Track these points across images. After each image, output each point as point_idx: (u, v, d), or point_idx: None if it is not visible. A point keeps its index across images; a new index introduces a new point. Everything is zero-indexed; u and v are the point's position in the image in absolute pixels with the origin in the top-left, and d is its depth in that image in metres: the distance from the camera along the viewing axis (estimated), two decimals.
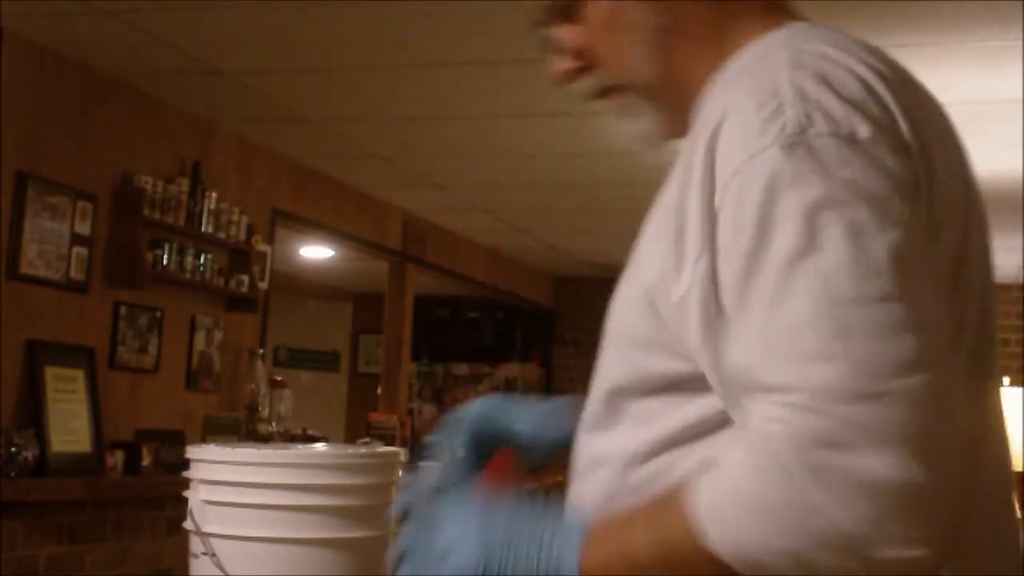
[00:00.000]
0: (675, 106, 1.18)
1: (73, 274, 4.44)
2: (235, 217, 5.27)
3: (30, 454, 4.04)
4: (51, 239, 4.33)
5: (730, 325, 0.97)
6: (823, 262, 0.92)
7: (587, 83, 1.21)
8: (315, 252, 8.29)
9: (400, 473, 1.78)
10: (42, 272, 4.30)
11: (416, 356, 9.12)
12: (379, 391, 7.62)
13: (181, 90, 4.83)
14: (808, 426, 0.88)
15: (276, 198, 5.78)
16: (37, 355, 4.25)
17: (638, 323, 1.07)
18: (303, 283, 9.91)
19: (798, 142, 0.95)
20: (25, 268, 4.22)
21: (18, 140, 4.22)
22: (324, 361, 11.16)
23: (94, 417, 4.43)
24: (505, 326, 10.25)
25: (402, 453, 1.84)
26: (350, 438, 8.03)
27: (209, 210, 5.07)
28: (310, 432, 6.07)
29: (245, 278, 5.32)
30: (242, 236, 5.32)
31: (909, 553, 0.87)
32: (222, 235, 5.16)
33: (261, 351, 5.51)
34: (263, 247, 5.54)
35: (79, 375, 4.43)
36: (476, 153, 5.71)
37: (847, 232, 0.92)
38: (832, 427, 0.87)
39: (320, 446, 2.40)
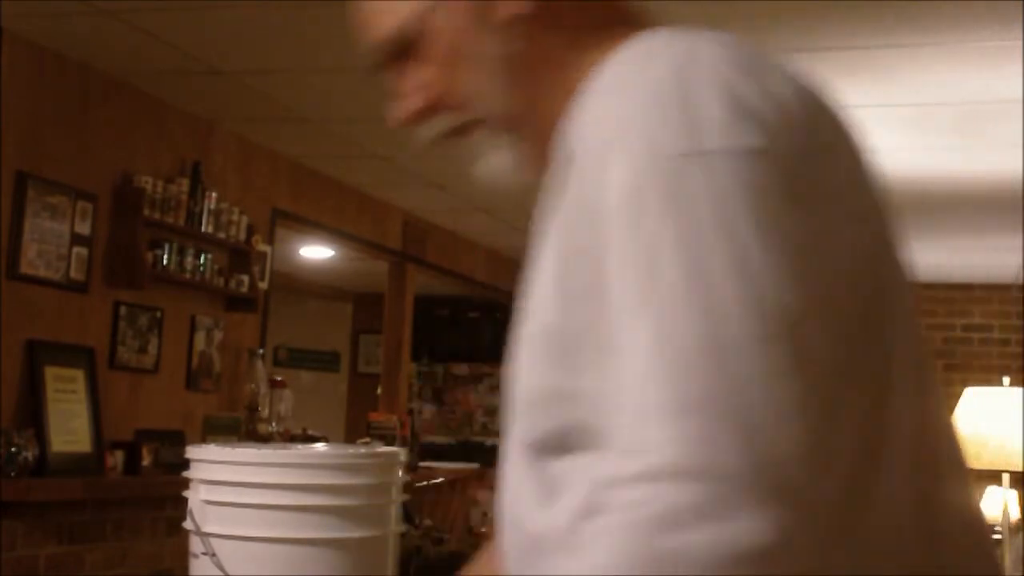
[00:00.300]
0: (535, 138, 1.11)
1: (73, 274, 4.44)
2: (235, 217, 5.27)
3: (30, 454, 4.04)
4: (51, 239, 4.33)
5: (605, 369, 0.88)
6: (706, 297, 0.83)
7: (438, 123, 1.14)
8: (315, 252, 8.29)
9: (400, 473, 1.78)
10: (42, 272, 4.30)
11: (416, 356, 9.12)
12: (379, 391, 7.62)
13: (181, 90, 4.83)
14: (675, 494, 0.78)
15: (276, 198, 5.78)
16: (37, 355, 4.25)
17: (544, 370, 0.97)
18: (303, 283, 9.91)
19: (688, 160, 0.87)
20: (25, 268, 4.22)
21: (18, 140, 4.22)
22: (324, 361, 11.17)
23: (94, 417, 4.43)
24: (505, 326, 10.22)
25: (402, 453, 1.84)
26: (350, 438, 8.03)
27: (209, 210, 5.07)
28: (310, 432, 6.06)
29: (245, 278, 5.32)
30: (242, 236, 5.32)
31: None
32: (222, 235, 5.16)
33: (261, 351, 5.51)
34: (263, 247, 5.54)
35: (79, 375, 4.43)
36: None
37: (735, 264, 0.84)
38: (701, 492, 0.78)
39: (320, 446, 2.40)
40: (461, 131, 1.13)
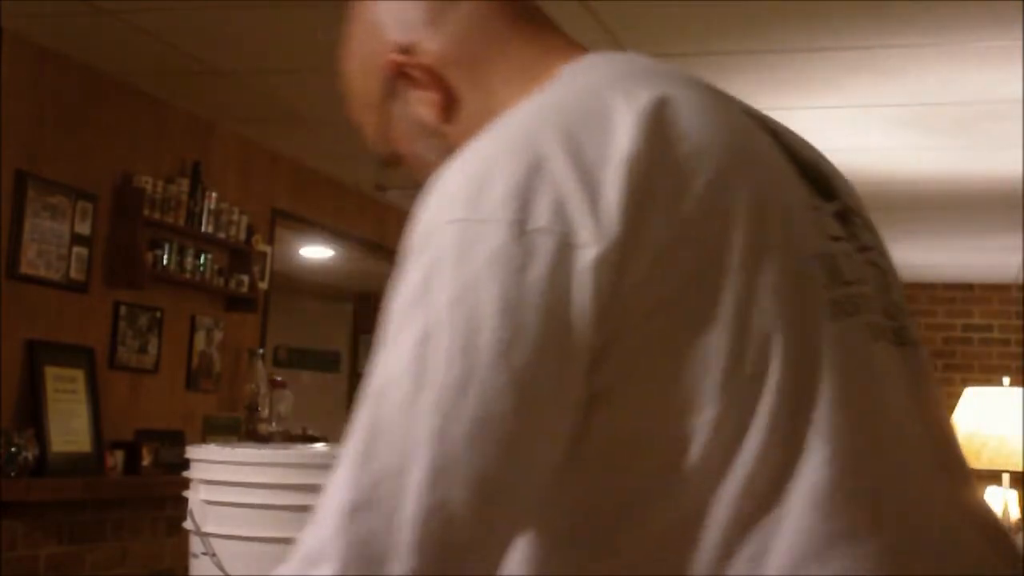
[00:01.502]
0: None
1: (73, 274, 4.44)
2: (235, 217, 5.27)
3: (30, 454, 4.04)
4: (51, 239, 4.33)
5: None
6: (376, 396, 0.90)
7: None
8: (315, 252, 8.29)
9: None
10: (42, 272, 4.30)
11: None
12: None
13: (181, 90, 4.83)
14: None
15: (276, 198, 5.78)
16: (37, 355, 4.25)
17: None
18: (303, 283, 9.90)
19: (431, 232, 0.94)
20: (25, 268, 4.22)
21: (18, 140, 4.22)
22: (324, 361, 11.16)
23: (94, 417, 4.44)
24: None
25: None
26: None
27: (209, 210, 5.07)
28: (310, 432, 6.07)
29: (245, 278, 5.33)
30: (242, 236, 5.32)
31: None
32: (222, 235, 5.17)
33: (261, 351, 5.51)
34: (263, 247, 5.54)
35: (79, 375, 4.43)
36: None
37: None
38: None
39: (320, 446, 2.40)
40: None
